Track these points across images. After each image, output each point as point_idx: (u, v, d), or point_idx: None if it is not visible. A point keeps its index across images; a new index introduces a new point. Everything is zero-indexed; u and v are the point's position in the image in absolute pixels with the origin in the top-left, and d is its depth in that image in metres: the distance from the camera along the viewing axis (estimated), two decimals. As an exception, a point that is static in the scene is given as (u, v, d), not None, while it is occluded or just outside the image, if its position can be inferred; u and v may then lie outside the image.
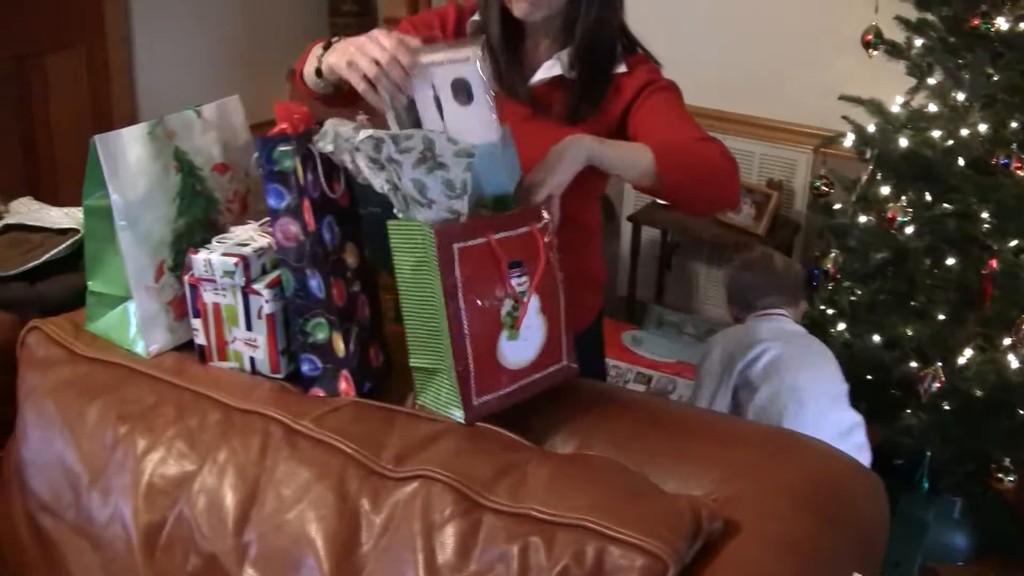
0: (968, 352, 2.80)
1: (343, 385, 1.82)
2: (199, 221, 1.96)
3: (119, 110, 4.32)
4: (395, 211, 1.69)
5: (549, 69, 2.08)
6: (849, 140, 3.02)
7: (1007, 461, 2.80)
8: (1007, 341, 2.73)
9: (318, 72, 1.89)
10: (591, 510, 1.50)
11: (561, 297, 1.77)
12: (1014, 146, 2.64)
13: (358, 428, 1.71)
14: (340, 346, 1.81)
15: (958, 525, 3.17)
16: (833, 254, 3.00)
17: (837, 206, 3.04)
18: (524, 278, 1.70)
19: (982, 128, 2.70)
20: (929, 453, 2.94)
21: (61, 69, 4.15)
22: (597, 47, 2.04)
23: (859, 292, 2.97)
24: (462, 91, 1.70)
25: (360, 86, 1.76)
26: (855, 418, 2.68)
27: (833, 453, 1.79)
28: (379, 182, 1.68)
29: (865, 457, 2.69)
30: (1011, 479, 2.80)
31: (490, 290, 1.66)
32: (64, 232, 2.19)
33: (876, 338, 2.92)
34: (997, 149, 2.64)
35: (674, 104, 2.05)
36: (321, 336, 1.81)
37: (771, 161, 3.79)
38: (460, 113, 1.72)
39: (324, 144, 1.71)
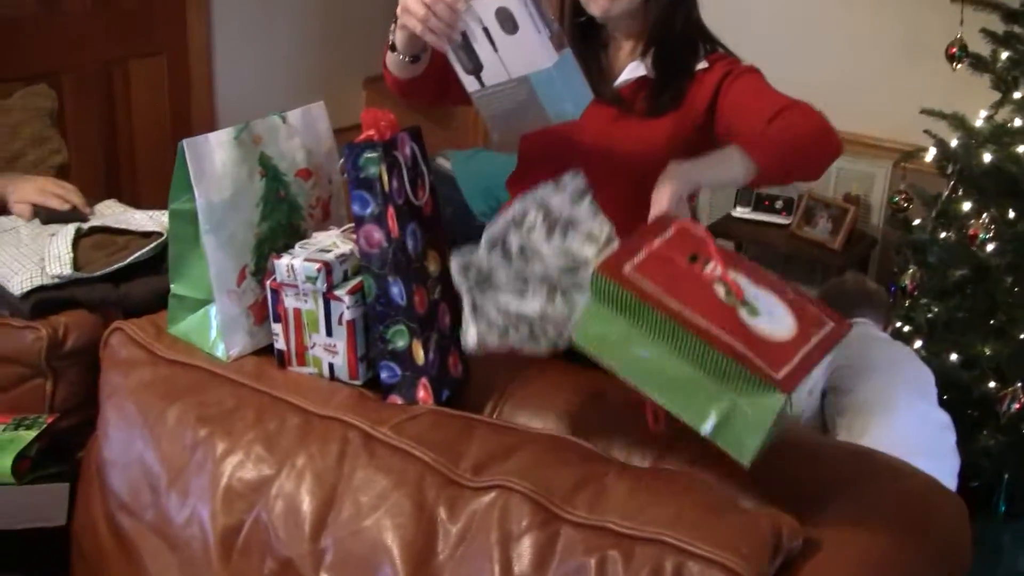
0: (1050, 373, 2.76)
1: (421, 393, 1.82)
2: (282, 226, 1.97)
3: (198, 117, 4.39)
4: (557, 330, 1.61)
5: (633, 71, 2.10)
6: (931, 155, 2.98)
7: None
8: (1091, 363, 2.68)
9: (393, 47, 1.92)
10: (670, 525, 1.48)
11: (759, 268, 1.63)
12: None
13: (436, 436, 1.71)
14: (420, 354, 1.81)
15: (1035, 550, 3.11)
16: (911, 270, 2.96)
17: (916, 222, 3.00)
18: (710, 263, 1.56)
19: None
20: (1007, 476, 2.89)
21: (144, 75, 4.22)
22: (678, 46, 2.07)
23: (936, 309, 2.93)
24: (507, 20, 1.73)
25: (417, 28, 1.78)
26: (946, 417, 2.64)
27: (916, 473, 1.76)
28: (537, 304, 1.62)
29: (956, 461, 2.63)
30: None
31: (691, 285, 1.53)
32: (148, 235, 2.22)
33: (954, 356, 2.88)
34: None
35: (756, 83, 2.05)
36: (401, 343, 1.81)
37: (849, 175, 3.75)
38: (509, 43, 1.74)
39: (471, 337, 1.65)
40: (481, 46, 1.78)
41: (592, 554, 1.49)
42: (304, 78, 4.76)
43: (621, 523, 1.50)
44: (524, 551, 1.54)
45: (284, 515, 1.70)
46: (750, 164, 1.82)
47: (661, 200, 1.70)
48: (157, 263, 2.17)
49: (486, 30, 1.75)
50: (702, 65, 2.08)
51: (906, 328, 2.96)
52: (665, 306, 1.48)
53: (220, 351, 1.93)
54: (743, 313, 1.51)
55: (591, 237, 1.63)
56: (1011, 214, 2.76)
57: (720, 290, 1.53)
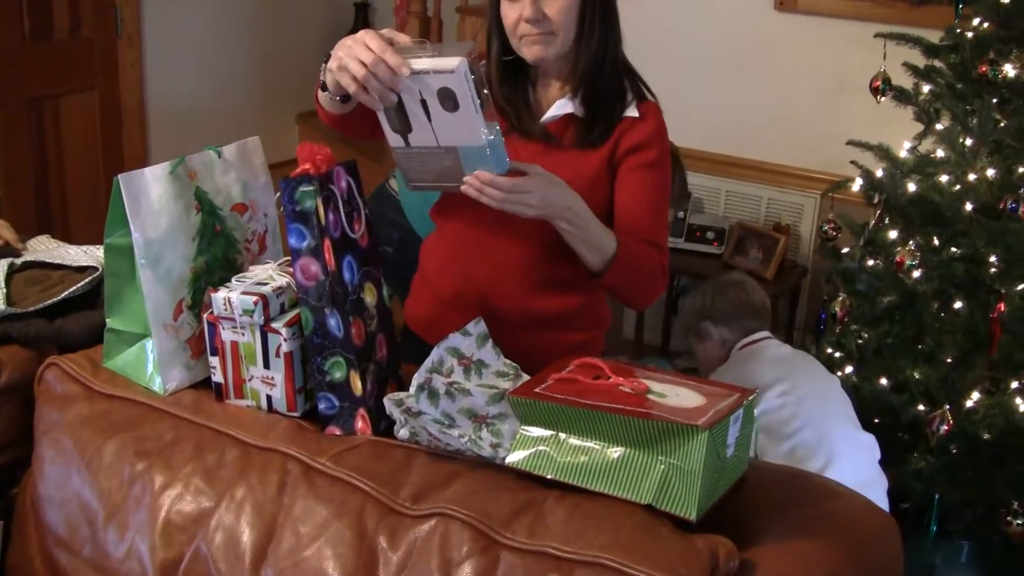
0: (976, 395, 2.82)
1: (360, 424, 1.83)
2: (218, 260, 1.98)
3: (131, 152, 4.37)
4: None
5: (561, 108, 2.13)
6: (857, 185, 3.04)
7: (1016, 505, 2.81)
8: (1015, 385, 2.74)
9: (323, 86, 1.94)
10: (609, 548, 1.51)
11: (663, 371, 1.81)
12: (1022, 191, 2.66)
13: (375, 466, 1.72)
14: (358, 385, 1.82)
15: (967, 569, 3.16)
16: (841, 298, 3.02)
17: (845, 250, 3.06)
18: (612, 378, 1.72)
19: (990, 173, 2.73)
20: (937, 496, 2.94)
21: (76, 110, 4.20)
22: (607, 86, 2.10)
23: (866, 335, 2.99)
24: (448, 99, 1.78)
25: (351, 88, 1.82)
26: (871, 438, 2.72)
27: (849, 494, 1.80)
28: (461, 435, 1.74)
29: (885, 481, 2.70)
30: (1020, 522, 2.81)
31: (598, 390, 1.68)
32: (83, 270, 2.21)
33: (884, 381, 2.93)
34: (1005, 194, 2.66)
35: (658, 190, 2.14)
36: (339, 375, 1.82)
37: (778, 205, 3.82)
38: (446, 118, 1.81)
39: (404, 432, 1.79)
40: (414, 113, 1.82)
41: (532, 579, 1.51)
42: (237, 113, 4.76)
43: (561, 548, 1.52)
44: (465, 577, 1.55)
45: (224, 547, 1.69)
46: (606, 263, 2.02)
47: (530, 188, 1.87)
48: (92, 298, 2.16)
49: (423, 102, 1.80)
50: (633, 112, 2.12)
51: (837, 354, 3.02)
52: (579, 403, 1.63)
53: (157, 385, 1.92)
54: (652, 397, 1.66)
55: (502, 374, 1.85)
56: (936, 241, 2.83)
57: (626, 389, 1.68)
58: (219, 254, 1.98)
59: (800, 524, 1.66)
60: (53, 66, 4.09)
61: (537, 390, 1.68)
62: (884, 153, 2.96)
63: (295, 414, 1.87)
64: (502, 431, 1.75)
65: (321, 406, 1.85)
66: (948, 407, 2.74)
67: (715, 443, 1.56)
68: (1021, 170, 2.71)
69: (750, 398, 1.68)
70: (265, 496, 1.72)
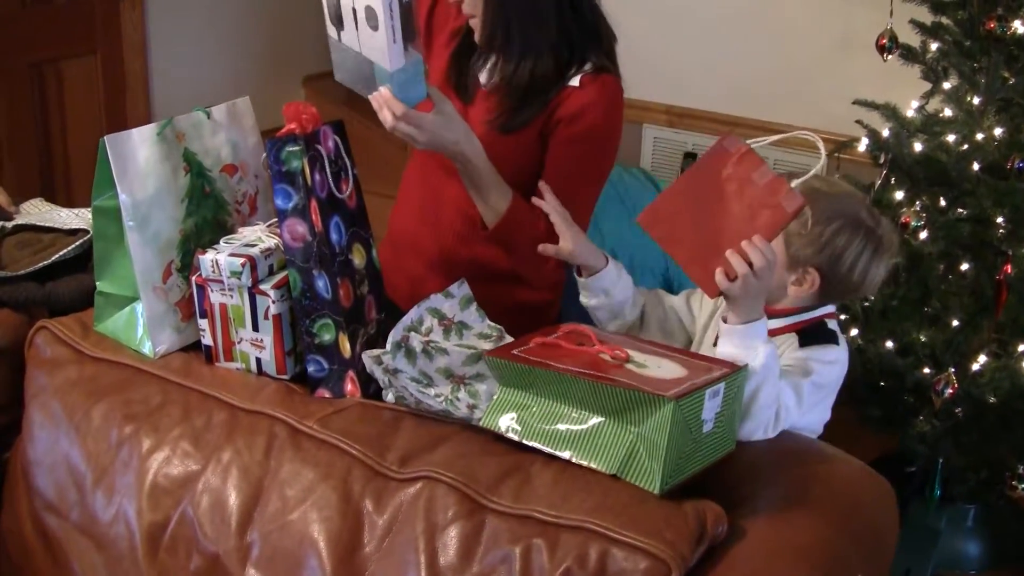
0: (983, 359, 2.78)
1: (349, 386, 1.82)
2: (208, 222, 1.95)
3: (134, 115, 4.33)
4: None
5: (486, 77, 2.14)
6: (863, 145, 2.99)
7: (1021, 469, 2.77)
8: (1022, 348, 2.70)
9: None
10: (595, 512, 1.49)
11: (651, 343, 1.79)
12: (1030, 150, 2.62)
13: (363, 429, 1.71)
14: (347, 347, 1.80)
15: (971, 533, 3.13)
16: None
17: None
18: (596, 345, 1.69)
19: (997, 132, 2.68)
20: (941, 460, 2.91)
21: (78, 74, 4.17)
22: (525, 75, 2.06)
23: (872, 298, 2.94)
24: (372, 17, 1.78)
25: None
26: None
27: (843, 459, 1.78)
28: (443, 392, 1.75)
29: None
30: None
31: (577, 356, 1.66)
32: (74, 233, 2.19)
33: (890, 344, 2.89)
34: (1013, 153, 2.61)
35: (578, 164, 2.10)
36: (327, 337, 1.81)
37: (785, 166, 3.76)
38: (368, 33, 1.81)
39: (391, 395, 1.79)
40: (347, 14, 1.82)
41: (518, 542, 1.50)
42: (242, 76, 4.72)
43: (546, 512, 1.51)
44: (450, 541, 1.54)
45: (210, 510, 1.69)
46: (494, 218, 2.02)
47: (423, 125, 1.88)
48: (83, 261, 2.14)
49: (355, 10, 1.80)
50: (574, 83, 2.07)
51: (843, 316, 2.97)
52: (555, 367, 1.60)
53: (147, 348, 1.91)
54: (630, 367, 1.62)
55: (484, 336, 1.83)
56: (942, 202, 2.79)
57: (606, 356, 1.64)
58: (208, 216, 1.96)
59: (791, 488, 1.65)
60: (54, 30, 4.05)
61: (515, 352, 1.66)
62: (891, 112, 2.90)
63: (285, 377, 1.86)
64: (479, 392, 1.73)
65: (310, 368, 1.83)
66: (953, 370, 2.70)
67: (684, 416, 1.53)
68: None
69: (736, 374, 1.64)
70: (251, 459, 1.70)
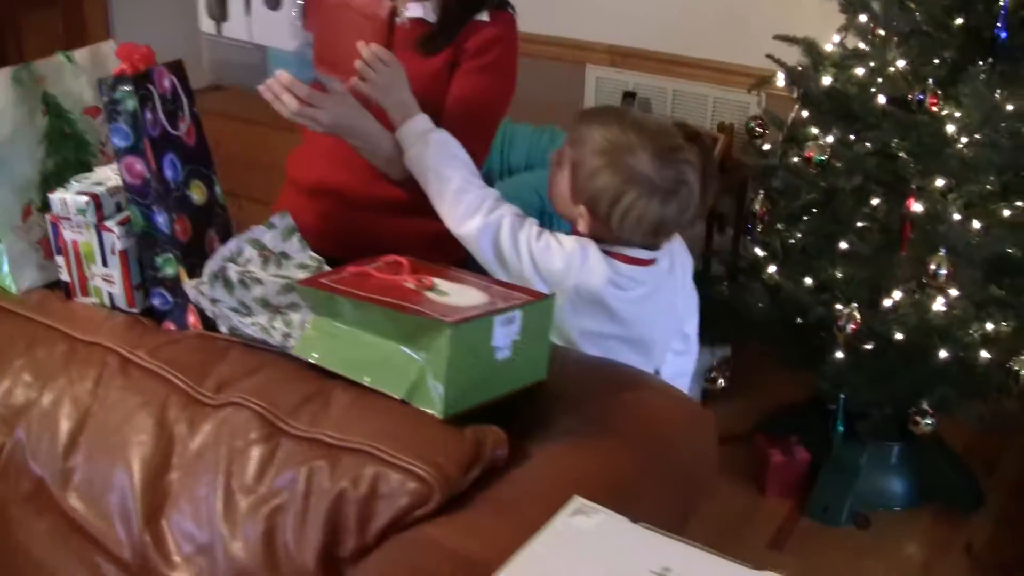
0: (898, 295, 2.78)
1: (191, 319, 1.88)
2: (69, 163, 2.02)
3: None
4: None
5: (413, 11, 2.16)
6: (782, 80, 2.98)
7: (925, 404, 2.78)
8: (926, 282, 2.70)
9: None
10: (378, 436, 1.54)
11: (465, 274, 1.81)
12: (930, 82, 2.60)
13: (190, 358, 1.77)
14: (187, 281, 1.86)
15: (896, 471, 3.15)
16: (760, 195, 2.99)
17: (766, 147, 3.01)
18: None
19: (901, 64, 2.67)
20: (844, 397, 2.93)
21: (37, 28, 4.22)
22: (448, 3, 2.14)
23: (793, 235, 2.95)
24: None
25: None
26: None
27: (661, 388, 1.82)
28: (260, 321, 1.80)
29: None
30: (928, 423, 2.78)
31: (382, 284, 1.69)
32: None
33: (809, 281, 2.91)
34: (915, 85, 2.60)
35: (483, 96, 2.15)
36: (170, 271, 1.87)
37: (724, 105, 3.75)
38: (264, 14, 1.84)
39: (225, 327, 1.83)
40: (233, 2, 1.83)
41: (304, 464, 1.55)
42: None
43: (333, 435, 1.56)
44: (247, 463, 1.59)
45: (39, 437, 1.75)
46: (403, 155, 2.04)
47: (325, 105, 1.94)
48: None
49: None
50: (483, 17, 2.15)
51: (762, 254, 2.99)
52: (353, 294, 1.64)
53: (11, 285, 1.98)
54: (430, 295, 1.66)
55: (304, 266, 1.87)
56: (852, 137, 2.78)
57: (409, 284, 1.68)
58: (70, 157, 2.02)
59: (594, 416, 1.68)
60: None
61: (323, 280, 1.71)
62: (808, 47, 2.90)
63: (135, 310, 1.92)
64: (293, 321, 1.78)
65: (156, 302, 1.90)
66: (856, 306, 2.71)
67: (468, 342, 1.56)
68: (935, 61, 2.64)
69: (537, 303, 1.67)
70: (83, 388, 1.77)
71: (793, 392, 3.36)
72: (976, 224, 2.69)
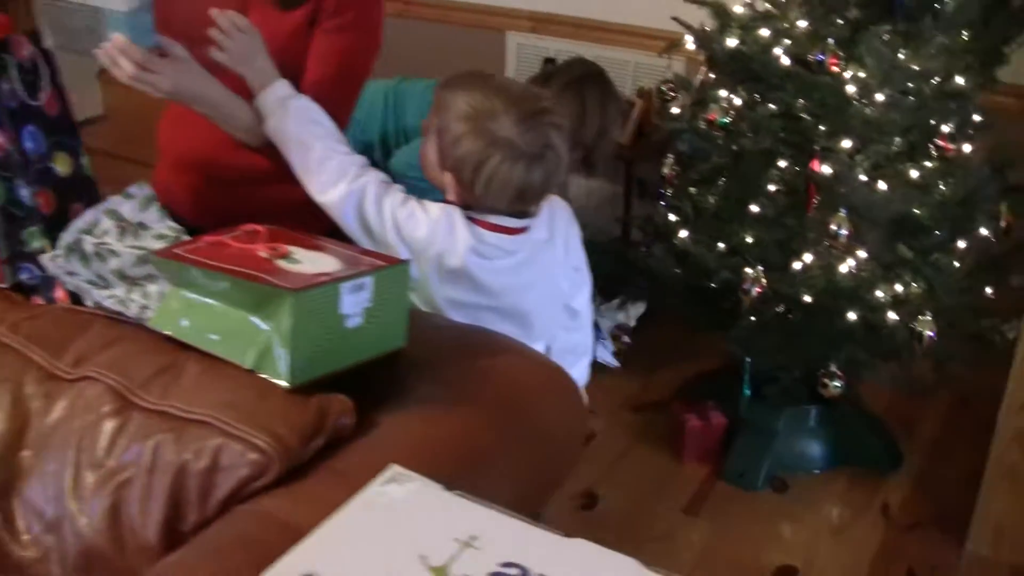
0: (809, 257, 2.77)
1: (59, 293, 1.85)
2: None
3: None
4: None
5: None
6: (691, 44, 2.95)
7: (833, 366, 2.77)
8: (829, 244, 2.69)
9: None
10: (222, 408, 1.52)
11: (327, 243, 1.79)
12: (831, 42, 2.58)
13: (52, 333, 1.74)
14: (44, 255, 1.84)
15: (814, 433, 3.15)
16: (669, 159, 2.97)
17: (675, 110, 2.99)
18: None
19: (802, 24, 2.65)
20: (749, 360, 2.92)
21: None
22: None
23: (710, 199, 2.93)
24: None
25: None
26: None
27: (524, 353, 1.80)
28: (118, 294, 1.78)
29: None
30: (837, 384, 2.78)
31: (235, 253, 1.68)
32: None
33: (721, 246, 2.89)
34: (815, 45, 2.58)
35: (345, 55, 2.10)
36: (37, 244, 1.84)
37: (646, 70, 3.73)
38: None
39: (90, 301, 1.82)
40: None
41: (151, 437, 1.53)
42: None
43: (180, 407, 1.54)
44: (99, 438, 1.57)
45: None
46: (263, 124, 2.00)
47: (164, 71, 1.89)
48: None
49: None
50: None
51: (674, 218, 2.97)
52: (205, 264, 1.62)
53: None
54: (281, 263, 1.64)
55: (162, 236, 1.84)
56: (757, 97, 2.76)
57: (263, 253, 1.66)
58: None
59: (450, 382, 1.67)
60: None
61: (176, 250, 1.68)
62: (716, 9, 2.87)
63: (3, 285, 1.90)
64: (151, 293, 1.76)
65: (24, 276, 1.87)
66: (761, 269, 2.70)
67: (313, 309, 1.54)
68: (840, 21, 2.62)
69: (390, 268, 1.66)
70: (-57, 365, 1.75)
71: (712, 357, 3.36)
72: (882, 185, 2.68)
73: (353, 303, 1.60)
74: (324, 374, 1.59)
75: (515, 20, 3.98)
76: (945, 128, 2.67)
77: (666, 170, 2.97)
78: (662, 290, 3.06)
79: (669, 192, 2.99)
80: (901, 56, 2.60)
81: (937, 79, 2.64)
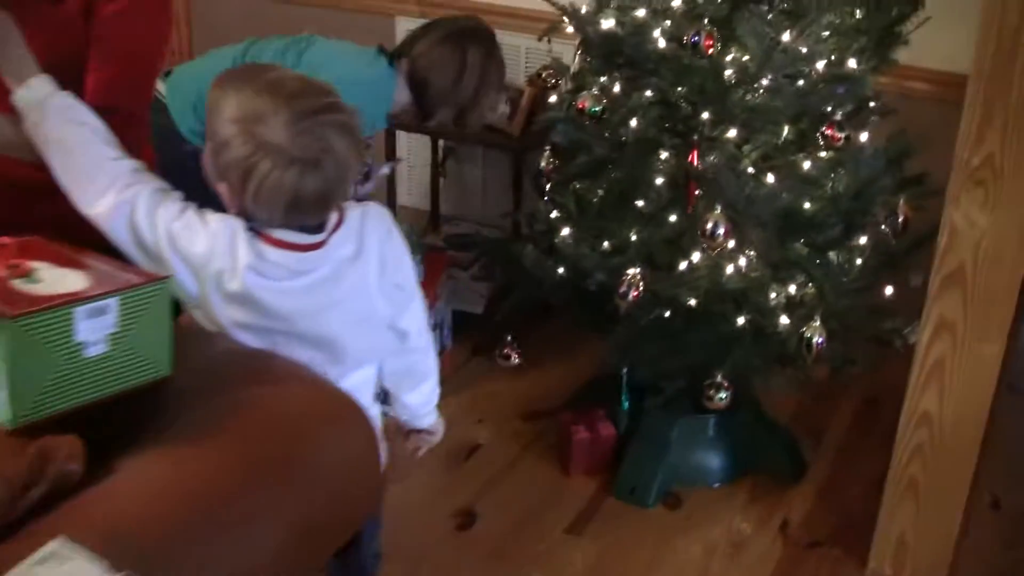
0: (697, 257, 2.55)
1: None
2: None
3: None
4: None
5: None
6: (571, 28, 2.73)
7: (719, 377, 2.56)
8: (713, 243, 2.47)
9: None
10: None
11: (81, 257, 1.56)
12: (706, 21, 2.36)
13: None
14: None
15: (711, 444, 2.93)
16: (546, 151, 2.75)
17: (552, 99, 2.76)
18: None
19: (676, 3, 2.43)
20: (625, 370, 2.71)
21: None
22: None
23: (594, 195, 2.71)
24: None
25: None
26: None
27: (297, 378, 1.59)
28: None
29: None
30: (722, 396, 2.56)
31: None
32: None
33: (607, 244, 2.67)
34: (692, 25, 2.36)
35: (127, 43, 1.90)
36: None
37: (537, 55, 3.50)
38: None
39: None
40: None
41: None
42: None
43: None
44: None
45: None
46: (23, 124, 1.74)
47: None
48: None
49: None
50: None
51: (555, 215, 2.75)
52: None
53: None
54: (16, 283, 1.42)
55: None
56: (631, 84, 2.54)
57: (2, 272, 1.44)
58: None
59: (217, 415, 1.45)
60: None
61: None
62: (596, -11, 2.65)
63: None
64: None
65: None
66: (639, 270, 2.47)
67: (37, 337, 1.32)
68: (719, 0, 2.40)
69: (143, 287, 1.43)
70: None
71: (604, 364, 3.14)
72: (771, 178, 2.47)
73: (92, 328, 1.37)
74: (58, 411, 1.36)
75: (403, 4, 3.76)
76: (837, 116, 2.46)
77: (543, 163, 2.75)
78: (550, 290, 2.83)
79: (548, 187, 2.76)
80: (785, 38, 2.39)
81: (825, 62, 2.43)
